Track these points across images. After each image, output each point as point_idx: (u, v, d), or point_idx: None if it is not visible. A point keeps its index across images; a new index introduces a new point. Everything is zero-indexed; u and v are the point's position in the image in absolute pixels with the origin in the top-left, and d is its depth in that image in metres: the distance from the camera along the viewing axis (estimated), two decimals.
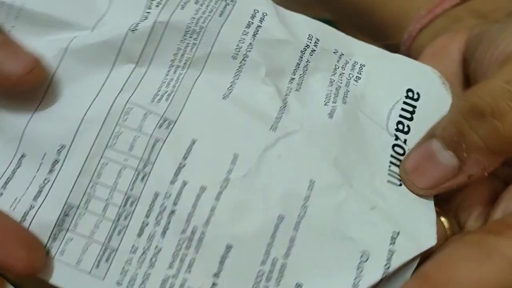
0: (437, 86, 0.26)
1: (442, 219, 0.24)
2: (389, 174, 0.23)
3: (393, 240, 0.21)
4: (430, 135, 0.23)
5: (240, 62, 0.23)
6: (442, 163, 0.22)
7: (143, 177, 0.21)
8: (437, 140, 0.22)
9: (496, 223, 0.21)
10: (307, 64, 0.25)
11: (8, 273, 0.20)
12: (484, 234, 0.20)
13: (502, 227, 0.20)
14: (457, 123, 0.22)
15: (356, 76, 0.25)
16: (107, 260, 0.20)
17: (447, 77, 0.26)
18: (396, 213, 0.22)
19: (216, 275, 0.20)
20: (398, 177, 0.23)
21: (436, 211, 0.23)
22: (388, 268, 0.21)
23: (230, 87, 0.23)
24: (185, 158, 0.22)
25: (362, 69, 0.26)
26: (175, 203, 0.21)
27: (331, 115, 0.24)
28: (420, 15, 0.31)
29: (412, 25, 0.32)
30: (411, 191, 0.23)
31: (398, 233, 0.21)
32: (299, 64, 0.24)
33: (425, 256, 0.21)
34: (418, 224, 0.22)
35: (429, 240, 0.21)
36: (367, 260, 0.21)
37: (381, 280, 0.20)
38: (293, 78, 0.24)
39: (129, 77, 0.23)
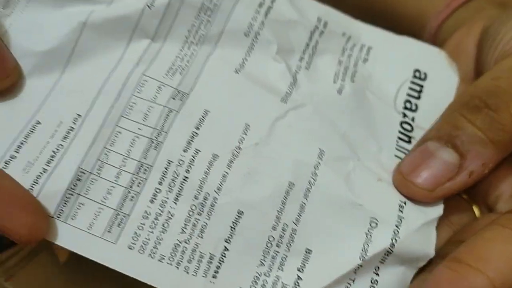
0: (444, 66, 0.27)
1: (473, 207, 0.24)
2: (397, 149, 0.24)
3: (401, 208, 0.22)
4: (424, 140, 0.22)
5: (252, 40, 0.24)
6: (441, 158, 0.21)
7: (156, 146, 0.22)
8: (433, 141, 0.22)
9: None
10: (316, 45, 0.25)
11: (12, 239, 0.19)
12: None
13: None
14: (453, 119, 0.22)
15: (364, 58, 0.26)
16: (119, 225, 0.20)
17: (465, 75, 0.26)
18: None
19: (228, 240, 0.21)
20: (406, 152, 0.24)
21: (465, 199, 0.23)
22: (397, 234, 0.21)
23: (242, 62, 0.24)
24: (197, 127, 0.22)
25: (369, 51, 0.27)
26: (187, 171, 0.21)
27: (340, 91, 0.24)
28: (438, 11, 0.30)
29: (430, 23, 0.31)
30: (411, 195, 0.22)
31: (405, 203, 0.22)
32: (309, 45, 0.25)
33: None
34: None
35: (436, 210, 0.22)
36: (376, 226, 0.21)
37: (392, 252, 0.21)
38: (303, 57, 0.25)
39: (144, 52, 0.23)
